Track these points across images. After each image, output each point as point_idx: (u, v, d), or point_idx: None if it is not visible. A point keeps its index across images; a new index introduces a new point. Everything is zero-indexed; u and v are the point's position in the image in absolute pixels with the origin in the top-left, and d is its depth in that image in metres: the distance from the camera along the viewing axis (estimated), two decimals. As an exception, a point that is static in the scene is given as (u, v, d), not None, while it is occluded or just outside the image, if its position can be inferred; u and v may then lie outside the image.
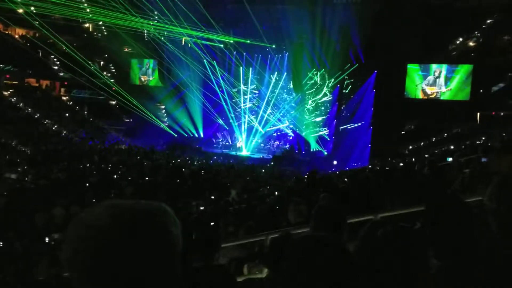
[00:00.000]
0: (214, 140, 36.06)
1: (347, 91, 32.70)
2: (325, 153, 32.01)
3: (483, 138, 20.76)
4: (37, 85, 36.94)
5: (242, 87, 35.26)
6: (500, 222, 2.25)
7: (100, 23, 33.17)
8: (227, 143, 35.47)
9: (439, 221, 2.07)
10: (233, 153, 33.50)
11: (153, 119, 34.63)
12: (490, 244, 2.22)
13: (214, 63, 34.57)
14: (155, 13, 31.40)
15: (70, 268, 0.97)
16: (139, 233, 0.96)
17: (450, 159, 10.98)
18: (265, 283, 2.26)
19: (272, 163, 28.78)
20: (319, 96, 32.50)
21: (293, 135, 33.65)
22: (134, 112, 33.49)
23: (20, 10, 30.88)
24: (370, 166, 22.51)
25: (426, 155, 19.33)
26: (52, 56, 35.65)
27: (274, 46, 31.70)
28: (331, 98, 32.11)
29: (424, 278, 1.62)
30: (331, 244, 1.35)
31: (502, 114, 26.76)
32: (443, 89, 29.59)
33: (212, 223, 7.32)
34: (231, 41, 33.21)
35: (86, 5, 31.98)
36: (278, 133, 34.73)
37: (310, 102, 32.89)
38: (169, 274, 1.01)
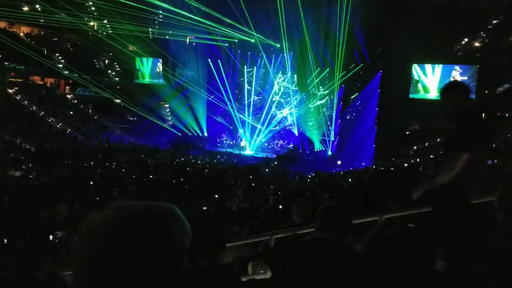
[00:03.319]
0: (218, 139, 36.07)
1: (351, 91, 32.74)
2: (329, 153, 31.97)
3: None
4: (41, 83, 37.06)
5: (246, 86, 35.27)
6: (505, 223, 2.24)
7: (105, 21, 33.24)
8: (231, 142, 35.47)
9: (446, 222, 2.06)
10: (237, 152, 33.51)
11: (157, 118, 34.71)
12: (497, 245, 2.20)
13: (219, 62, 34.62)
14: (160, 12, 31.47)
15: (76, 268, 0.98)
16: (144, 236, 0.97)
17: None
18: (271, 283, 2.25)
19: (276, 162, 28.77)
20: (323, 96, 32.44)
21: (297, 134, 33.62)
22: (139, 110, 33.57)
23: (25, 8, 31.04)
24: (374, 167, 22.49)
25: (431, 156, 19.29)
26: (57, 54, 35.75)
27: (278, 45, 31.69)
28: (335, 97, 32.04)
29: (431, 279, 1.60)
30: (340, 245, 1.33)
31: (507, 115, 26.64)
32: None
33: (216, 222, 7.31)
34: (236, 40, 33.24)
35: (91, 3, 32.11)
36: (282, 133, 34.70)
37: (314, 101, 32.84)
38: (173, 275, 1.01)
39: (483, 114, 3.54)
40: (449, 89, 3.63)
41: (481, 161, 3.44)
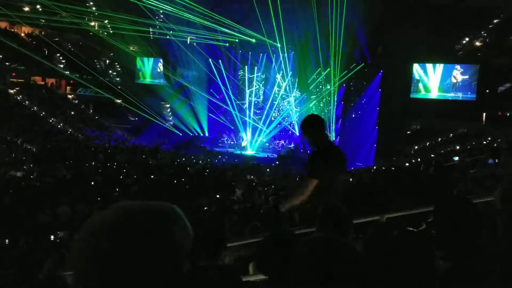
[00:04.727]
0: (219, 139, 36.07)
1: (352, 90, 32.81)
2: (330, 152, 31.90)
3: (489, 138, 20.69)
4: (42, 83, 37.06)
5: (247, 86, 35.29)
6: (506, 222, 2.24)
7: (106, 21, 33.27)
8: (232, 142, 35.47)
9: (447, 222, 2.06)
10: (238, 152, 33.50)
11: (158, 118, 34.73)
12: (497, 245, 2.21)
13: (219, 62, 34.62)
14: (161, 12, 31.48)
15: (76, 269, 0.98)
16: (145, 236, 0.98)
17: (456, 158, 10.98)
18: (271, 283, 2.25)
19: (277, 162, 28.77)
20: (324, 96, 32.42)
21: (298, 134, 33.61)
22: (140, 111, 33.60)
23: (26, 8, 31.05)
24: (375, 167, 22.49)
25: (432, 155, 19.29)
26: (58, 54, 35.77)
27: (279, 45, 31.68)
28: (336, 97, 32.02)
29: (431, 279, 1.61)
30: (341, 245, 1.34)
31: (508, 114, 26.64)
32: (449, 89, 29.51)
33: (217, 222, 7.31)
34: (236, 40, 33.23)
35: (92, 3, 32.14)
36: (283, 133, 34.70)
37: (315, 101, 32.84)
38: (174, 275, 1.01)
39: (333, 150, 4.08)
40: (304, 125, 4.02)
41: (331, 187, 3.87)
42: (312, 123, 4.02)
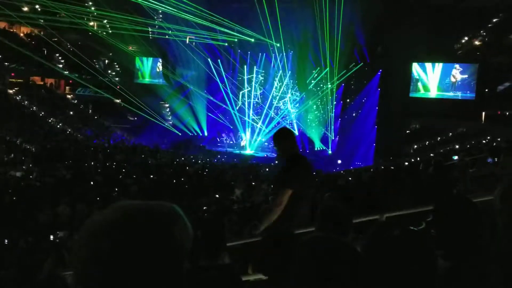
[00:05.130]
0: (218, 138, 36.06)
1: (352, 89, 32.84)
2: (330, 152, 31.96)
3: (488, 137, 20.71)
4: (42, 83, 37.03)
5: (246, 86, 35.27)
6: (506, 222, 2.24)
7: (105, 21, 33.26)
8: (231, 142, 35.47)
9: (447, 221, 2.05)
10: (237, 151, 33.50)
11: (158, 118, 34.72)
12: (498, 244, 2.20)
13: (218, 61, 34.60)
14: (160, 12, 31.47)
15: (76, 269, 0.98)
16: (145, 236, 0.97)
17: (456, 157, 10.97)
18: (271, 283, 2.25)
19: (276, 162, 28.76)
20: (323, 95, 32.42)
21: (297, 133, 33.57)
22: (139, 110, 33.59)
23: (25, 8, 31.02)
24: (375, 166, 22.49)
25: (432, 154, 19.30)
26: (57, 54, 35.75)
27: (278, 45, 31.67)
28: (335, 96, 32.03)
29: (431, 280, 1.60)
30: (340, 245, 1.34)
31: (507, 113, 26.65)
32: (448, 89, 29.53)
33: (216, 222, 7.30)
34: (235, 40, 33.22)
35: (91, 3, 32.13)
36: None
37: (314, 100, 32.83)
38: (174, 275, 1.01)
39: (302, 160, 4.17)
40: (277, 137, 4.23)
41: (303, 197, 3.96)
42: (283, 135, 4.25)
